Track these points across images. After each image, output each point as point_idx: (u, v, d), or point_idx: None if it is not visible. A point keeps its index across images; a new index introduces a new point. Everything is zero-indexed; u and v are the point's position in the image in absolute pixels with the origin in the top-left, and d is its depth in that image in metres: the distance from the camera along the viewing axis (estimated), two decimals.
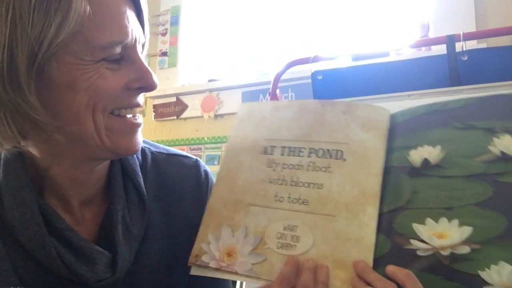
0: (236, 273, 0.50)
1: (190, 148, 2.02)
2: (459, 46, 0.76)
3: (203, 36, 2.22)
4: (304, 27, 1.94)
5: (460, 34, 0.76)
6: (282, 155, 0.54)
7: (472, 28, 1.40)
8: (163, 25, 2.18)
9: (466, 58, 0.75)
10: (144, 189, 0.59)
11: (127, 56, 0.49)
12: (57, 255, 0.49)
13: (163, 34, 2.18)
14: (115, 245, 0.53)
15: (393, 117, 0.52)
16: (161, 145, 0.67)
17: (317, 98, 0.93)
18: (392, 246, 0.43)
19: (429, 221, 0.41)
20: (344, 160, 0.51)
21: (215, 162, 1.92)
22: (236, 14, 2.15)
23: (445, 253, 0.39)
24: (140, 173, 0.60)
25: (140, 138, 0.53)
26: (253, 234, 0.51)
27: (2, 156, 0.51)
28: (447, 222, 0.40)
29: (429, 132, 0.47)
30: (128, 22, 0.48)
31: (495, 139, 0.43)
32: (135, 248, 0.55)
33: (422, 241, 0.41)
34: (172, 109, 2.12)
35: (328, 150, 0.52)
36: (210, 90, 1.98)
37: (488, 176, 0.41)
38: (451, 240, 0.39)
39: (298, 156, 0.53)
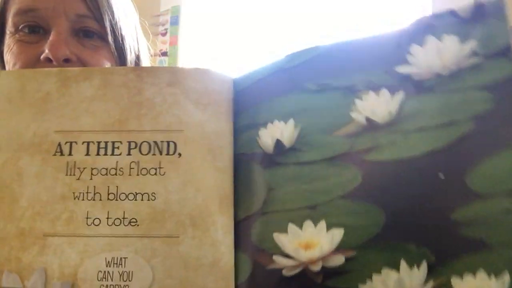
0: None
1: None
2: None
3: (203, 36, 2.30)
4: (304, 27, 2.03)
5: None
6: (88, 154, 0.40)
7: None
8: (163, 25, 2.26)
9: None
10: None
11: (47, 27, 0.53)
12: None
13: (163, 34, 2.25)
14: None
15: (236, 84, 0.41)
16: None
17: None
18: (254, 267, 0.34)
19: (291, 227, 0.34)
20: (180, 155, 0.39)
21: None
22: (236, 14, 2.23)
23: (316, 268, 0.32)
24: None
25: None
26: (57, 279, 0.37)
27: None
28: (313, 226, 0.33)
29: (277, 100, 0.38)
30: None
31: (357, 101, 0.35)
32: None
33: (287, 256, 0.33)
34: None
35: (156, 142, 0.40)
36: None
37: (354, 155, 0.33)
38: (321, 249, 0.32)
39: (113, 154, 0.40)
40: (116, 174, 0.39)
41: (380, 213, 0.31)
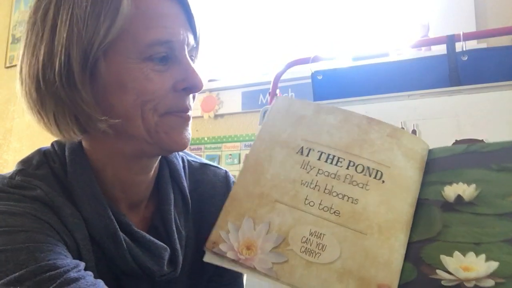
0: (254, 269, 0.54)
1: (190, 148, 2.17)
2: (459, 46, 0.83)
3: (202, 36, 2.36)
4: (304, 27, 2.08)
5: (460, 34, 0.83)
6: (319, 160, 0.60)
7: (472, 28, 1.50)
8: None
9: (466, 58, 0.81)
10: (188, 193, 0.66)
11: (174, 57, 0.57)
12: (127, 248, 0.55)
13: None
14: (171, 243, 0.60)
15: (430, 152, 0.60)
16: (193, 154, 0.76)
17: (317, 98, 1.02)
18: (419, 274, 0.50)
19: (456, 254, 0.49)
20: (383, 182, 0.58)
21: (215, 162, 2.06)
22: (236, 14, 2.31)
23: (469, 285, 0.47)
24: (184, 177, 0.68)
25: (188, 134, 0.60)
26: (276, 232, 0.56)
27: (68, 155, 0.58)
28: (475, 256, 0.48)
29: (465, 171, 0.55)
30: (174, 24, 0.56)
31: None
32: (184, 248, 0.64)
33: (448, 272, 0.48)
34: None
35: (368, 167, 0.59)
36: (210, 90, 2.11)
37: None
38: (477, 273, 0.47)
39: (336, 165, 0.60)
40: (334, 178, 0.59)
41: None
